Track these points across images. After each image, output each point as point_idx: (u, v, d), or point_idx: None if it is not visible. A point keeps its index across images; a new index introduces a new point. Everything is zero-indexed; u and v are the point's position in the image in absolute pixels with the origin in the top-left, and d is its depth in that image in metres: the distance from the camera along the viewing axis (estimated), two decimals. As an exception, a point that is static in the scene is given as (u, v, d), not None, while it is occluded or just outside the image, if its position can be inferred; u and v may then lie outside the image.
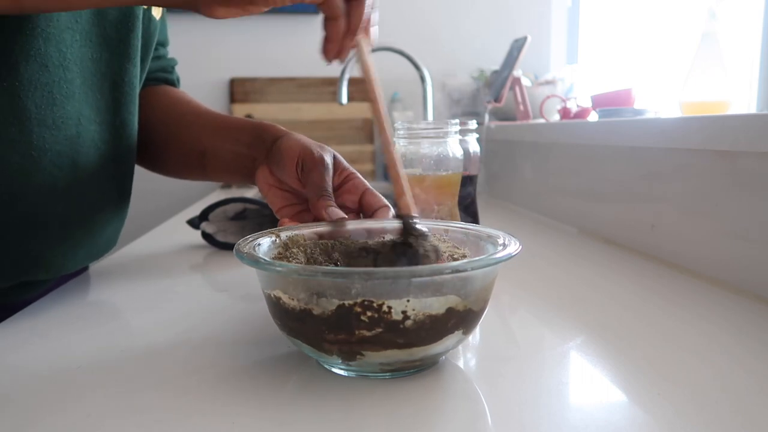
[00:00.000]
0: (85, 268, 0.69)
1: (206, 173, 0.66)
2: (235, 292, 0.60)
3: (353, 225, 0.48)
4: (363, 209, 0.53)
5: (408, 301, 0.34)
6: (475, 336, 0.47)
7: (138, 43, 0.59)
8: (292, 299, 0.36)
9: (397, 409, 0.34)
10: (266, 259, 0.38)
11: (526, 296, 0.58)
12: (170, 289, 0.61)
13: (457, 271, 0.35)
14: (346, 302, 0.34)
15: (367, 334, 0.34)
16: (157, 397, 0.36)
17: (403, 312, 0.34)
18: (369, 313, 0.34)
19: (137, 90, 0.61)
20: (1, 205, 0.49)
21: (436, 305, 0.35)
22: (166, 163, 0.69)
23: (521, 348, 0.45)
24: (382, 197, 0.53)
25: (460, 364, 0.41)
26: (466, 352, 0.43)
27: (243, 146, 0.60)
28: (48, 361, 0.41)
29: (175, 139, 0.66)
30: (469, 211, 0.74)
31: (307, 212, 0.54)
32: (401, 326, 0.34)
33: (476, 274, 0.36)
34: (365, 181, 0.54)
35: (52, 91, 0.50)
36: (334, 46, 0.43)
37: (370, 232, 0.48)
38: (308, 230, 0.46)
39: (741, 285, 0.56)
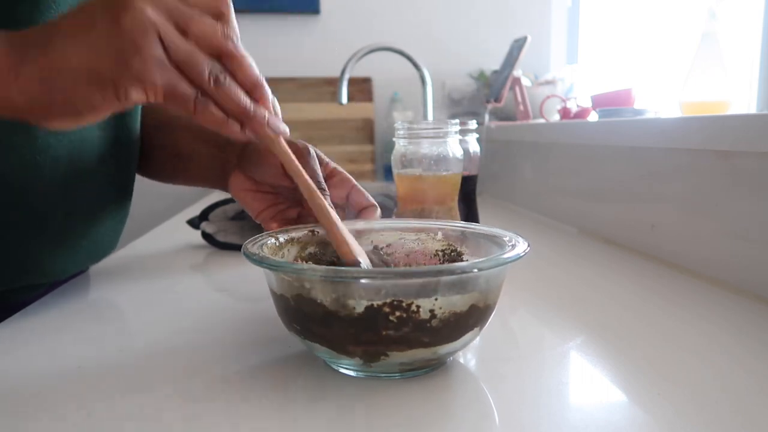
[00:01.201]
0: (86, 269, 0.69)
1: (181, 177, 0.65)
2: (235, 292, 0.60)
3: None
4: (349, 207, 0.53)
5: (436, 299, 0.34)
6: (475, 336, 0.47)
7: None
8: (315, 302, 0.35)
9: (406, 409, 0.34)
10: (286, 262, 0.38)
11: (526, 296, 0.57)
12: (170, 289, 0.61)
13: (484, 268, 0.35)
14: (375, 303, 0.34)
15: (394, 334, 0.34)
16: (157, 398, 0.36)
17: (431, 311, 0.34)
18: (398, 313, 0.34)
19: None
20: (2, 209, 0.49)
21: (460, 303, 0.35)
22: (148, 165, 0.68)
23: (521, 348, 0.45)
24: (369, 196, 0.53)
25: (461, 364, 0.41)
26: (467, 353, 0.43)
27: (215, 148, 0.59)
28: (48, 361, 0.41)
29: (154, 141, 0.65)
30: (469, 212, 0.74)
31: (290, 210, 0.53)
32: (428, 325, 0.34)
33: (496, 271, 0.37)
34: (351, 177, 0.53)
35: None
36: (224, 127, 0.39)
37: (359, 233, 0.48)
38: (303, 232, 0.46)
39: (741, 285, 0.56)
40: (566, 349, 0.44)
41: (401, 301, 0.34)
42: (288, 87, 1.83)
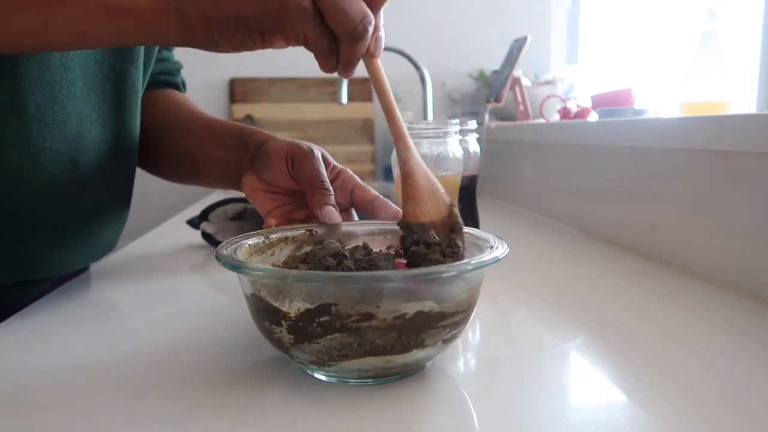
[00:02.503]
0: (86, 268, 0.69)
1: (196, 179, 0.66)
2: (234, 292, 0.60)
3: (346, 227, 0.48)
4: (355, 205, 0.52)
5: (378, 306, 0.33)
6: (475, 336, 0.47)
7: (141, 46, 0.58)
8: (265, 302, 0.35)
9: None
10: (240, 260, 0.37)
11: (526, 296, 0.58)
12: (170, 289, 0.61)
13: (430, 276, 0.34)
14: (318, 307, 0.33)
15: (341, 340, 0.33)
16: (157, 399, 0.36)
17: (376, 318, 0.33)
18: (341, 319, 0.33)
19: (140, 93, 0.61)
20: (0, 201, 0.49)
21: (410, 311, 0.33)
22: (161, 166, 0.69)
23: (521, 348, 0.45)
24: (372, 189, 0.53)
25: (459, 364, 0.41)
26: (466, 352, 0.43)
27: (229, 152, 0.60)
28: (48, 361, 0.41)
29: (168, 144, 0.66)
30: (469, 212, 0.74)
31: (298, 210, 0.53)
32: (373, 333, 0.33)
33: (454, 279, 0.35)
34: (354, 175, 0.53)
35: (53, 90, 0.50)
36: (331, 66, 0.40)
37: (360, 235, 0.48)
38: (300, 231, 0.46)
39: (741, 285, 0.56)
40: (566, 349, 0.44)
41: (344, 307, 0.33)
42: (288, 87, 1.83)
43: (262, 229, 0.47)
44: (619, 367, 0.40)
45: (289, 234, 0.45)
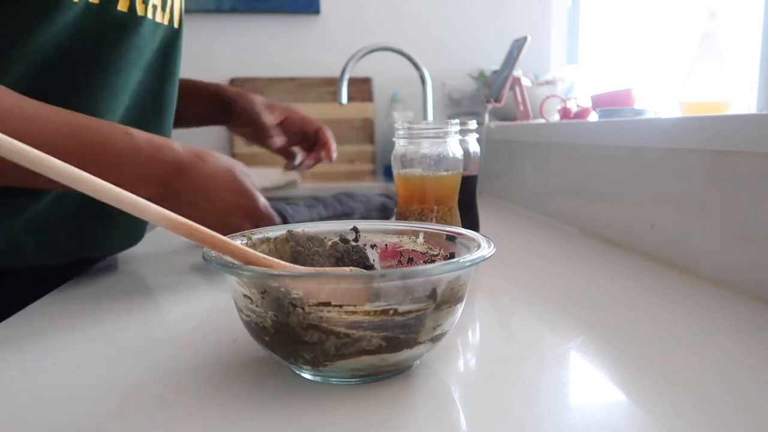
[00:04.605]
0: (86, 267, 0.69)
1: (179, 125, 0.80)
2: (235, 292, 0.60)
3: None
4: (304, 136, 0.88)
5: (371, 305, 0.33)
6: (475, 336, 0.47)
7: (179, 64, 0.68)
8: (254, 303, 0.35)
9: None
10: (231, 261, 0.37)
11: (526, 296, 0.58)
12: (170, 289, 0.61)
13: (425, 274, 0.34)
14: (305, 306, 0.33)
15: (334, 339, 0.33)
16: (156, 398, 0.36)
17: (364, 315, 0.33)
18: (333, 318, 0.33)
19: (174, 108, 0.71)
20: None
21: (402, 310, 0.34)
22: None
23: (521, 348, 0.45)
24: (317, 121, 0.82)
25: (459, 364, 0.41)
26: (466, 352, 0.43)
27: (207, 109, 0.87)
28: (48, 361, 0.41)
29: None
30: (469, 212, 0.74)
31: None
32: (363, 331, 0.33)
33: (444, 277, 0.35)
34: (299, 110, 0.81)
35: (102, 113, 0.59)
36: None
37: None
38: (280, 231, 0.46)
39: (741, 285, 0.56)
40: (566, 349, 0.44)
41: (336, 305, 0.33)
42: (288, 87, 1.83)
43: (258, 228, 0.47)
44: (619, 367, 0.40)
45: (270, 235, 0.45)
